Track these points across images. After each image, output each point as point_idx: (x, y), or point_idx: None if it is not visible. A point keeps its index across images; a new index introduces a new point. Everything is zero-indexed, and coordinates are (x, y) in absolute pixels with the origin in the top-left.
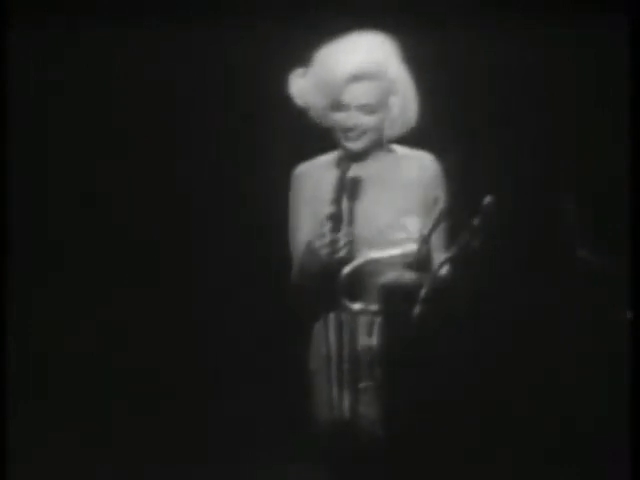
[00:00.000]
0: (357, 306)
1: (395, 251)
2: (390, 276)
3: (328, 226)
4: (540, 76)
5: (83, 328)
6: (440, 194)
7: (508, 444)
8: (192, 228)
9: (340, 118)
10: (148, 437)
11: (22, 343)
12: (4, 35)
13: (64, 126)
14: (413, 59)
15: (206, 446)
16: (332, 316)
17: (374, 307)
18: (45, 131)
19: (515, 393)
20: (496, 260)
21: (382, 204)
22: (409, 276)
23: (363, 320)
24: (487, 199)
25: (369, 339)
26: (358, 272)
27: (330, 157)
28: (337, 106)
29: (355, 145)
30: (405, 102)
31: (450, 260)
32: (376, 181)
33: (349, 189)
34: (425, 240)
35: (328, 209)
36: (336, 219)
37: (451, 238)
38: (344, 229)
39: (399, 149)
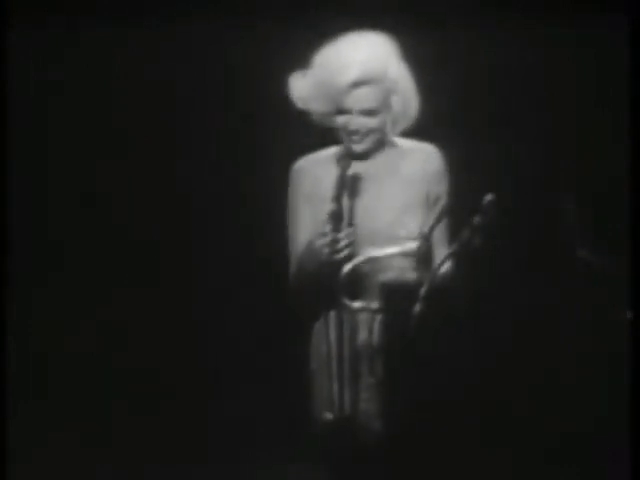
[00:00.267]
0: (357, 304)
1: (395, 249)
2: (390, 274)
3: (329, 225)
4: (540, 76)
5: (83, 328)
6: (442, 191)
7: (508, 444)
8: (192, 228)
9: (342, 121)
10: (148, 437)
11: (22, 343)
12: (4, 35)
13: (64, 126)
14: (413, 59)
15: (206, 446)
16: (332, 315)
17: (374, 305)
18: (45, 131)
19: (515, 393)
20: (496, 260)
21: (383, 201)
22: (409, 274)
23: (363, 318)
24: (487, 198)
25: (369, 337)
26: (358, 270)
27: (330, 152)
28: (339, 111)
29: (359, 147)
30: (406, 100)
31: (450, 259)
32: (377, 178)
33: (350, 186)
34: (425, 238)
35: (329, 207)
36: (337, 217)
37: (452, 237)
38: (345, 229)
39: (403, 142)
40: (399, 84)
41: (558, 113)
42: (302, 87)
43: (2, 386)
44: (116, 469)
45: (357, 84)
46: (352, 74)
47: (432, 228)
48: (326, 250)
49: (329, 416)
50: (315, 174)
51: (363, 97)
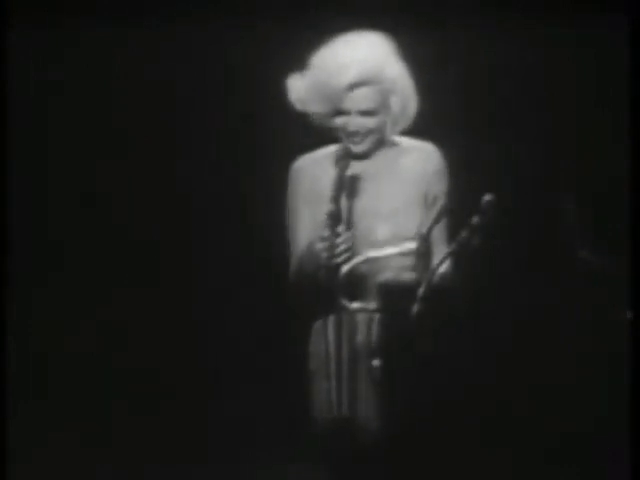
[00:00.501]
0: (356, 305)
1: (394, 249)
2: (389, 275)
3: (327, 227)
4: (540, 76)
5: (83, 328)
6: (441, 191)
7: (508, 444)
8: (192, 228)
9: (342, 122)
10: (148, 437)
11: (22, 343)
12: (4, 35)
13: (64, 126)
14: (413, 59)
15: (206, 446)
16: (331, 315)
17: (373, 306)
18: (45, 131)
19: (515, 393)
20: (496, 260)
21: (382, 201)
22: (408, 275)
23: (362, 319)
24: (487, 198)
25: (368, 338)
26: (357, 271)
27: (329, 151)
28: (338, 112)
29: (359, 148)
30: (405, 100)
31: (449, 259)
32: (376, 177)
33: (348, 187)
34: (424, 238)
35: (327, 207)
36: (335, 218)
37: (451, 237)
38: (344, 232)
39: (403, 140)
40: (398, 84)
41: (558, 113)
42: (300, 89)
43: (2, 386)
44: (116, 469)
45: (355, 85)
46: (349, 75)
47: (431, 228)
48: (324, 254)
49: (328, 416)
50: (314, 173)
51: (361, 98)
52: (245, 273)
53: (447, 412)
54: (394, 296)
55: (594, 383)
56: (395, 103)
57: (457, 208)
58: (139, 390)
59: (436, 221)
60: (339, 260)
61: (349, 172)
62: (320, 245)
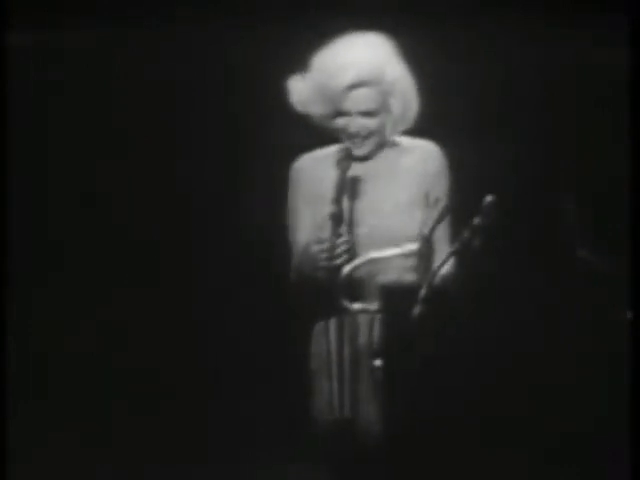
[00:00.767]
0: (357, 306)
1: (395, 250)
2: (390, 275)
3: (327, 229)
4: (540, 76)
5: (83, 328)
6: (442, 191)
7: (508, 444)
8: (192, 228)
9: (342, 123)
10: (148, 437)
11: (22, 343)
12: (4, 35)
13: (64, 126)
14: (413, 59)
15: (206, 446)
16: (332, 316)
17: (374, 307)
18: (45, 131)
19: (515, 393)
20: (496, 260)
21: (383, 202)
22: (409, 275)
23: (363, 320)
24: (487, 199)
25: (369, 339)
26: (358, 272)
27: (330, 151)
28: (338, 113)
29: (361, 150)
30: (406, 100)
31: (450, 259)
32: (377, 178)
33: (350, 188)
34: (426, 239)
35: (328, 209)
36: (336, 220)
37: (452, 237)
38: (344, 234)
39: (403, 140)
40: (398, 85)
41: (558, 113)
42: (301, 90)
43: (2, 386)
44: (116, 469)
45: (355, 86)
46: (350, 76)
47: (432, 229)
48: (323, 256)
49: (329, 416)
50: (315, 174)
51: (361, 99)
52: (245, 273)
53: (448, 412)
54: (396, 297)
55: (594, 383)
56: (396, 104)
57: (458, 209)
58: (139, 390)
59: (438, 222)
60: (339, 261)
61: (350, 173)
62: (316, 247)
